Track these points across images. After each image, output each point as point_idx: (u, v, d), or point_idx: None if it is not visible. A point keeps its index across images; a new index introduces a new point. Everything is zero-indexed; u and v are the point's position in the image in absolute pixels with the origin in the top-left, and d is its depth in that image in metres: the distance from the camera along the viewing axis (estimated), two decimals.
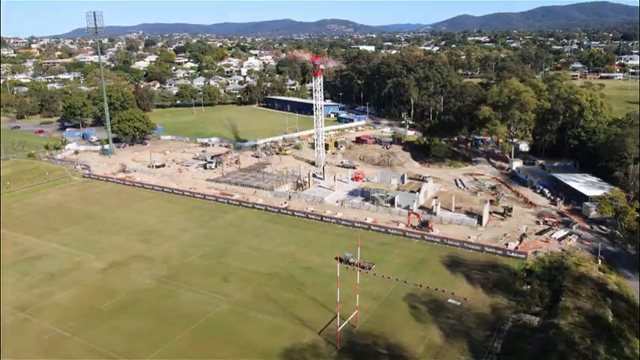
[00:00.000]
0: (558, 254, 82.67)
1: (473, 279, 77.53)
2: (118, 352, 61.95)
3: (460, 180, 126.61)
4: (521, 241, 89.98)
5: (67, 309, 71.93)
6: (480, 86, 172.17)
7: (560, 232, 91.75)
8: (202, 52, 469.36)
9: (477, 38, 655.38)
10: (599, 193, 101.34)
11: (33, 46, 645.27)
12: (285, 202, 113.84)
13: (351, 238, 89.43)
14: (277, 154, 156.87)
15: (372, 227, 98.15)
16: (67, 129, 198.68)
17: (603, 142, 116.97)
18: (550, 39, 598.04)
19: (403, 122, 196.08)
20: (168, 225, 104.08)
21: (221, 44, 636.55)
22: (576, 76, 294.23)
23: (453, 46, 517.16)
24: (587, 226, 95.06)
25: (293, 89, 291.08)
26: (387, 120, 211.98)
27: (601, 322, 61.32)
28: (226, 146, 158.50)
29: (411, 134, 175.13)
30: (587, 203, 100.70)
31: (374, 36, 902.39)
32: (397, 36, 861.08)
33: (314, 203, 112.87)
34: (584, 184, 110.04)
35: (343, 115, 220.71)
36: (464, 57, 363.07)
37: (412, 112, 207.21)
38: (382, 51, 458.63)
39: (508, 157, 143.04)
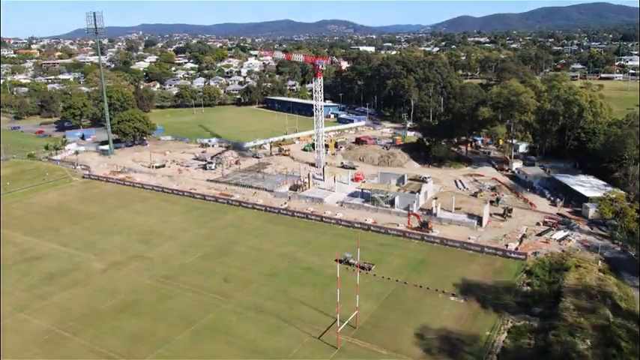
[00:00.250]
0: (558, 255, 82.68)
1: (473, 279, 77.55)
2: (118, 352, 61.97)
3: (460, 181, 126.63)
4: (521, 241, 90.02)
5: (67, 309, 71.96)
6: (480, 87, 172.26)
7: (560, 233, 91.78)
8: (202, 53, 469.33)
9: (476, 39, 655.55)
10: (599, 194, 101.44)
11: (33, 46, 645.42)
12: (285, 203, 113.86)
13: (351, 238, 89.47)
14: (277, 154, 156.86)
15: (372, 228, 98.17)
16: (67, 130, 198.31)
17: (603, 143, 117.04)
18: (550, 40, 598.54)
19: (403, 123, 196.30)
20: (168, 225, 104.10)
21: (221, 45, 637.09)
22: (576, 76, 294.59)
23: (453, 46, 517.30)
24: (587, 227, 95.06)
25: (293, 90, 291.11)
26: (387, 121, 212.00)
27: (601, 322, 61.29)
28: (227, 147, 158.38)
29: (410, 135, 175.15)
30: (587, 204, 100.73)
31: (374, 37, 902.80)
32: (397, 37, 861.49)
33: (314, 204, 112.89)
34: (584, 185, 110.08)
35: (343, 115, 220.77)
36: (464, 58, 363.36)
37: (412, 112, 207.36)
38: (382, 52, 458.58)
39: (508, 158, 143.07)
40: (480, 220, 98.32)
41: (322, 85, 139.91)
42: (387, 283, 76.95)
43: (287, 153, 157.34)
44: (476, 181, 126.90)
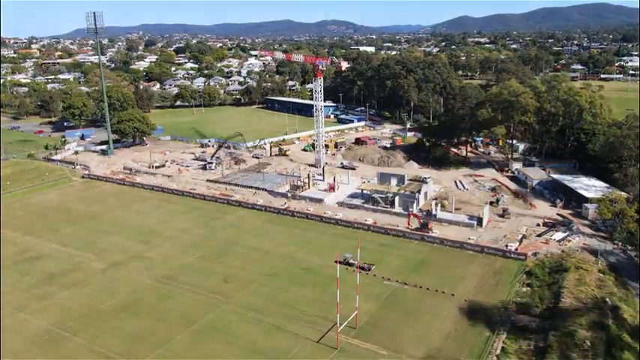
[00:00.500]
0: (558, 255, 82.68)
1: (473, 280, 77.63)
2: (118, 352, 61.98)
3: (460, 181, 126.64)
4: (521, 242, 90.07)
5: (67, 309, 71.96)
6: (480, 88, 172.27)
7: (560, 234, 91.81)
8: (202, 53, 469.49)
9: (476, 39, 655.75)
10: (598, 194, 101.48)
11: (33, 46, 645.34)
12: (285, 203, 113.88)
13: (351, 239, 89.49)
14: (277, 155, 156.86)
15: (372, 228, 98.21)
16: (66, 130, 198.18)
17: (603, 144, 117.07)
18: (550, 40, 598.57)
19: (403, 123, 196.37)
20: (168, 225, 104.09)
21: (221, 45, 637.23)
22: (576, 77, 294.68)
23: (453, 47, 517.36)
24: (587, 228, 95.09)
25: (293, 90, 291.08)
26: (387, 121, 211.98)
27: (601, 323, 61.32)
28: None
29: (410, 135, 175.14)
30: (586, 205, 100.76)
31: (374, 37, 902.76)
32: (397, 37, 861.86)
33: (314, 204, 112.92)
34: (584, 185, 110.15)
35: (343, 116, 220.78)
36: (464, 58, 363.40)
37: (412, 113, 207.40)
38: (382, 52, 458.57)
39: (508, 158, 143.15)
40: (479, 220, 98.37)
41: (322, 85, 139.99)
42: (386, 284, 76.99)
43: (287, 153, 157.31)
44: (476, 181, 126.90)
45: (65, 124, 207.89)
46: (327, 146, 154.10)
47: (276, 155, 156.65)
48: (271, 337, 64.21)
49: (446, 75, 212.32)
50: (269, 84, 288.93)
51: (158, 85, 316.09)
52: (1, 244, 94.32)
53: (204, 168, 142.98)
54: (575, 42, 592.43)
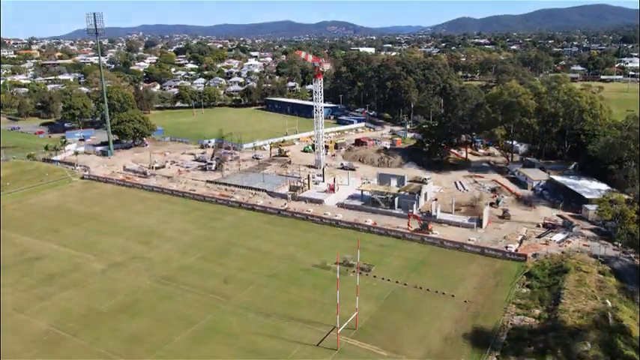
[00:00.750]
0: (558, 257, 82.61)
1: (473, 281, 77.61)
2: (118, 353, 61.91)
3: (460, 182, 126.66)
4: (521, 243, 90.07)
5: (67, 310, 71.88)
6: (480, 89, 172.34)
7: (560, 235, 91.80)
8: (202, 54, 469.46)
9: (476, 40, 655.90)
10: (598, 195, 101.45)
11: (33, 47, 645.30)
12: (285, 204, 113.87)
13: (351, 239, 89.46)
14: (277, 155, 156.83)
15: (372, 229, 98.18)
16: (67, 131, 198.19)
17: (603, 145, 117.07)
18: (550, 41, 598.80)
19: (403, 124, 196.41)
20: (167, 226, 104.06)
21: (221, 46, 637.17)
22: (576, 78, 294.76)
23: (453, 48, 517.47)
24: (587, 229, 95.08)
25: (293, 91, 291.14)
26: (386, 122, 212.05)
27: (601, 324, 61.26)
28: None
29: (410, 136, 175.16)
30: (586, 206, 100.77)
31: (374, 38, 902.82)
32: (397, 38, 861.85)
33: (313, 205, 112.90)
34: (584, 186, 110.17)
35: (343, 117, 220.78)
36: (464, 59, 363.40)
37: (412, 114, 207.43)
38: (382, 53, 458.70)
39: (508, 159, 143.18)
40: (479, 221, 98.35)
41: (322, 86, 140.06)
42: (386, 285, 76.95)
43: (287, 154, 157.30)
44: (476, 182, 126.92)
45: (66, 124, 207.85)
46: (327, 147, 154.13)
47: (275, 156, 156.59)
48: (271, 338, 64.15)
49: (446, 76, 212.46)
50: (269, 85, 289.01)
51: (158, 86, 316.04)
52: (0, 245, 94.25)
53: (204, 169, 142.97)
54: (575, 43, 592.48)
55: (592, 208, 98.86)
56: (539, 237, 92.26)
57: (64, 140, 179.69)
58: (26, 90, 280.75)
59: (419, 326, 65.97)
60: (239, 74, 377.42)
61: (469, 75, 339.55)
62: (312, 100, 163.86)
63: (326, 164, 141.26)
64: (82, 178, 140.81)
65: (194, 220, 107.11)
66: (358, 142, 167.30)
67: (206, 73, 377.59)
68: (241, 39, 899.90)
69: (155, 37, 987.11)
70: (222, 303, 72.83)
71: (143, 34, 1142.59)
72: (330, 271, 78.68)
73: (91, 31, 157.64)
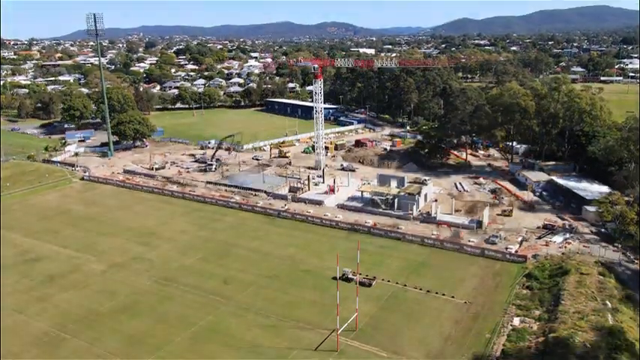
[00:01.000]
0: (558, 258, 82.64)
1: (473, 282, 77.60)
2: (118, 354, 61.93)
3: (460, 183, 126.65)
4: (521, 244, 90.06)
5: (67, 311, 71.90)
6: (480, 90, 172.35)
7: (560, 236, 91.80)
8: (202, 55, 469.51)
9: (476, 42, 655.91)
10: (598, 196, 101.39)
11: (33, 47, 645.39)
12: (285, 205, 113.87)
13: (351, 240, 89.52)
14: (277, 157, 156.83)
15: (372, 230, 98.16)
16: (67, 132, 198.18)
17: (603, 146, 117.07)
18: (550, 43, 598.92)
19: (403, 125, 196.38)
20: (167, 227, 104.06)
21: (221, 47, 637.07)
22: (576, 79, 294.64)
23: (453, 49, 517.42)
24: (587, 230, 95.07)
25: (294, 92, 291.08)
26: (386, 123, 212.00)
27: (601, 325, 61.24)
28: (226, 149, 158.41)
29: (410, 137, 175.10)
30: (586, 207, 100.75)
31: (374, 39, 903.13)
32: (397, 39, 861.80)
33: (313, 206, 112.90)
34: (584, 187, 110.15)
35: (343, 118, 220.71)
36: (464, 60, 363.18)
37: (412, 115, 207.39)
38: (382, 54, 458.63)
39: (508, 160, 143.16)
40: (479, 222, 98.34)
41: (322, 87, 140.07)
42: (386, 286, 76.93)
43: (287, 155, 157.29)
44: (476, 183, 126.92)
45: (66, 125, 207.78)
46: (327, 148, 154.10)
47: (275, 157, 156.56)
48: (271, 339, 64.15)
49: (446, 77, 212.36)
50: (269, 86, 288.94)
51: (158, 87, 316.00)
52: (0, 246, 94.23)
53: (204, 170, 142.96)
54: (575, 44, 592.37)
55: (592, 209, 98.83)
56: (539, 238, 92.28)
57: (63, 141, 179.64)
58: (26, 91, 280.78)
59: (419, 327, 65.98)
60: (239, 75, 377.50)
61: (469, 76, 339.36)
62: (312, 101, 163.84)
63: (326, 165, 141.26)
64: (82, 179, 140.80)
65: (194, 221, 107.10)
66: (358, 143, 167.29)
67: (206, 74, 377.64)
68: (241, 40, 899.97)
69: (155, 37, 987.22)
70: (222, 304, 72.82)
71: (143, 35, 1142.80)
72: (330, 272, 78.35)
73: (91, 32, 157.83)
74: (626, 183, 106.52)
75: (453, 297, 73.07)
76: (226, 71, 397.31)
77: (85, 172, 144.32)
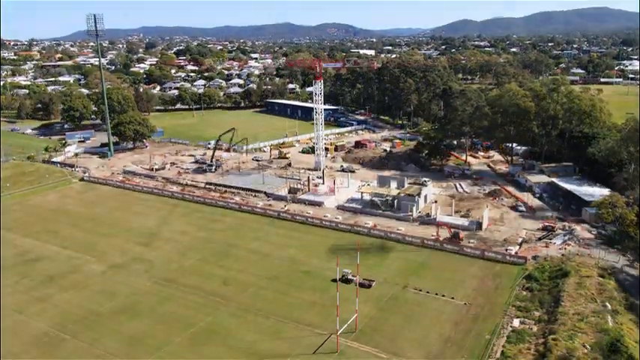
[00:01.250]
0: (558, 259, 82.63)
1: (472, 284, 77.60)
2: (117, 354, 61.90)
3: (460, 184, 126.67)
4: (520, 246, 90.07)
5: (66, 311, 71.88)
6: (480, 91, 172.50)
7: (560, 238, 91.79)
8: (203, 56, 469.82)
9: (476, 43, 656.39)
10: (598, 198, 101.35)
11: (33, 48, 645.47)
12: (285, 206, 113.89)
13: (351, 242, 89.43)
14: (277, 158, 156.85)
15: (372, 231, 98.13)
16: (67, 132, 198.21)
17: (603, 148, 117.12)
18: (550, 44, 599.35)
19: (403, 126, 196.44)
20: (167, 228, 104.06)
21: (221, 47, 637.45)
22: (576, 81, 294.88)
23: (453, 50, 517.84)
24: (587, 232, 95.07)
25: (294, 93, 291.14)
26: (386, 124, 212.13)
27: (600, 327, 61.27)
28: (226, 150, 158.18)
29: (410, 138, 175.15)
30: (586, 208, 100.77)
31: (374, 40, 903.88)
32: (397, 40, 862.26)
33: (313, 207, 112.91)
34: (584, 189, 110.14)
35: (343, 119, 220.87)
36: (464, 61, 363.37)
37: (412, 116, 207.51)
38: (382, 55, 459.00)
39: (508, 162, 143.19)
40: (479, 224, 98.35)
41: (322, 88, 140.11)
42: (386, 287, 76.92)
43: (287, 156, 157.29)
44: (476, 184, 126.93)
45: (65, 126, 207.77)
46: (327, 149, 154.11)
47: (275, 158, 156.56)
48: (271, 340, 64.13)
49: (446, 78, 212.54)
50: (269, 87, 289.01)
51: (158, 88, 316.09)
52: (0, 246, 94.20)
53: (204, 171, 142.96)
54: (575, 46, 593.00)
55: (592, 210, 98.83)
56: (539, 239, 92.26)
57: (63, 142, 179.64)
58: (26, 91, 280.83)
59: (419, 329, 65.96)
60: (239, 76, 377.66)
61: (469, 77, 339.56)
62: (312, 102, 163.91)
63: (326, 166, 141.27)
64: (82, 179, 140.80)
65: (194, 222, 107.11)
66: (358, 145, 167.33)
67: (206, 74, 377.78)
68: (241, 41, 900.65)
69: (155, 38, 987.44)
70: (222, 305, 72.81)
71: (143, 36, 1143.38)
72: (329, 273, 78.22)
73: (92, 32, 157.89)
74: (626, 184, 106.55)
75: (452, 298, 73.07)
76: (226, 72, 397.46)
77: (84, 173, 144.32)
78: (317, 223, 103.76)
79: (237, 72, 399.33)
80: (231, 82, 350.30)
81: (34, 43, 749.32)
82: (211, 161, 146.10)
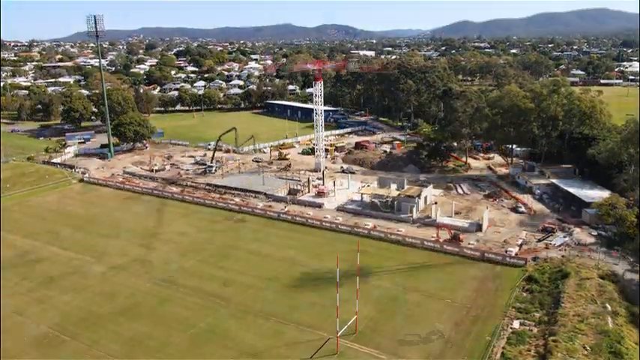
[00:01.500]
0: (558, 260, 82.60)
1: (472, 285, 77.54)
2: (117, 355, 61.88)
3: (460, 186, 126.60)
4: (520, 247, 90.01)
5: (66, 313, 71.86)
6: (480, 92, 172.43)
7: (560, 239, 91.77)
8: (203, 57, 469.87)
9: (476, 44, 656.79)
10: (598, 199, 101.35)
11: (33, 49, 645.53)
12: (285, 207, 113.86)
13: (351, 243, 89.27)
14: (277, 159, 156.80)
15: (372, 232, 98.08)
16: (67, 133, 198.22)
17: (603, 149, 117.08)
18: (550, 45, 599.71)
19: (403, 127, 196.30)
20: (167, 229, 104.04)
21: (221, 49, 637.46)
22: (576, 82, 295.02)
23: (453, 51, 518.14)
24: (587, 233, 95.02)
25: (294, 94, 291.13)
26: (386, 125, 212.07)
27: (601, 329, 61.24)
28: (226, 151, 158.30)
29: (410, 140, 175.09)
30: (586, 209, 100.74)
31: (374, 41, 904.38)
32: (397, 41, 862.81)
33: (313, 208, 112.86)
34: (584, 190, 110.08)
35: (343, 120, 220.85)
36: (464, 62, 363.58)
37: (412, 117, 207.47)
38: (382, 56, 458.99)
39: (508, 163, 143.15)
40: (479, 225, 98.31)
41: (322, 89, 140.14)
42: (386, 288, 76.87)
43: (287, 157, 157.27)
44: (476, 185, 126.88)
45: (66, 127, 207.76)
46: (327, 150, 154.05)
47: (275, 159, 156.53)
48: (270, 341, 64.10)
49: (446, 79, 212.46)
50: (269, 88, 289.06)
51: (158, 89, 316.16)
52: (0, 247, 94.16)
53: (204, 172, 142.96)
54: (575, 47, 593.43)
55: (592, 211, 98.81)
56: (539, 241, 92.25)
57: (63, 143, 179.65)
58: (26, 92, 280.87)
59: (419, 330, 65.89)
60: (239, 77, 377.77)
61: (469, 78, 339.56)
62: (312, 103, 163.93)
63: (326, 167, 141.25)
64: (82, 180, 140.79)
65: (194, 223, 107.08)
66: (358, 146, 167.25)
67: (206, 75, 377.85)
68: (241, 42, 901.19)
69: (155, 39, 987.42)
70: (222, 306, 72.78)
71: (143, 37, 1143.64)
72: (329, 274, 77.99)
73: (92, 33, 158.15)
74: (626, 186, 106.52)
75: (452, 299, 72.99)
76: (226, 73, 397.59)
77: (84, 174, 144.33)
78: (317, 224, 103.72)
79: (237, 73, 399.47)
80: (231, 83, 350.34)
81: (35, 44, 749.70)
82: (211, 162, 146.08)
